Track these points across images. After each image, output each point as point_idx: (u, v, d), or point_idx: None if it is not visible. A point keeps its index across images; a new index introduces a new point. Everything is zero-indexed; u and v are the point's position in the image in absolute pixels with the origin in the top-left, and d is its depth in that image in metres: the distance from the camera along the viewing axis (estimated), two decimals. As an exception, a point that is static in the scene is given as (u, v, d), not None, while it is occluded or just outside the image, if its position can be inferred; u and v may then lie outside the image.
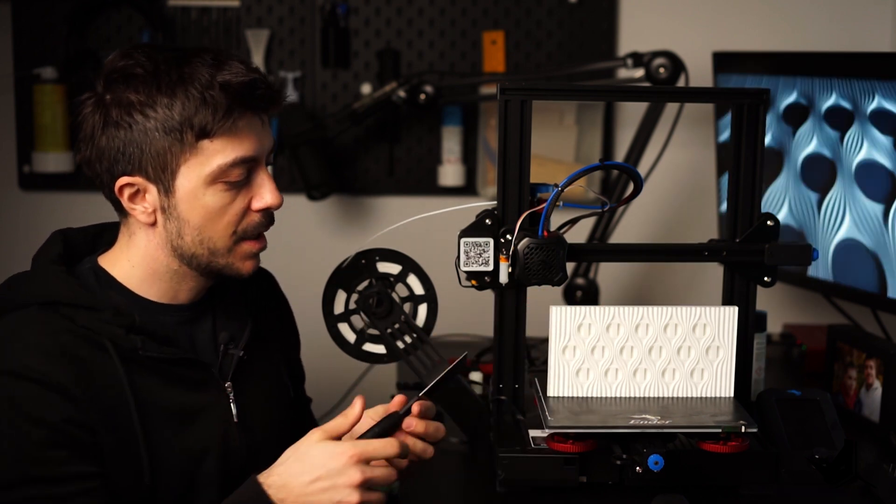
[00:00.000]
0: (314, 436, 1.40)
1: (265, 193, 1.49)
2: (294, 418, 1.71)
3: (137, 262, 1.50)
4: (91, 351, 1.43)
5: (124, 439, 1.43)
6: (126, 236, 1.51)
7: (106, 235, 1.58)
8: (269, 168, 1.53)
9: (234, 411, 1.53)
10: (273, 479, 1.38)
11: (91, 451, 1.41)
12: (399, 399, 1.49)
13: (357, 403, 1.43)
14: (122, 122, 1.42)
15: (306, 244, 2.62)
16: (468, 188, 2.61)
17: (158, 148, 1.42)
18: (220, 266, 1.50)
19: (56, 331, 1.43)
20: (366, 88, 2.56)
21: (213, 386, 1.53)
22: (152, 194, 1.45)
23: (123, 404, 1.43)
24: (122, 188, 1.45)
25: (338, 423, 1.42)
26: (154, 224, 1.47)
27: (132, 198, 1.46)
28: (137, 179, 1.45)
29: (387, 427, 1.43)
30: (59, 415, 1.38)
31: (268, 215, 1.51)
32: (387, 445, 1.39)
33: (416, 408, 1.46)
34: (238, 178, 1.45)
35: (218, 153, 1.43)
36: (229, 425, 1.53)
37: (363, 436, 1.43)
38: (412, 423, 1.45)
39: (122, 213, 1.50)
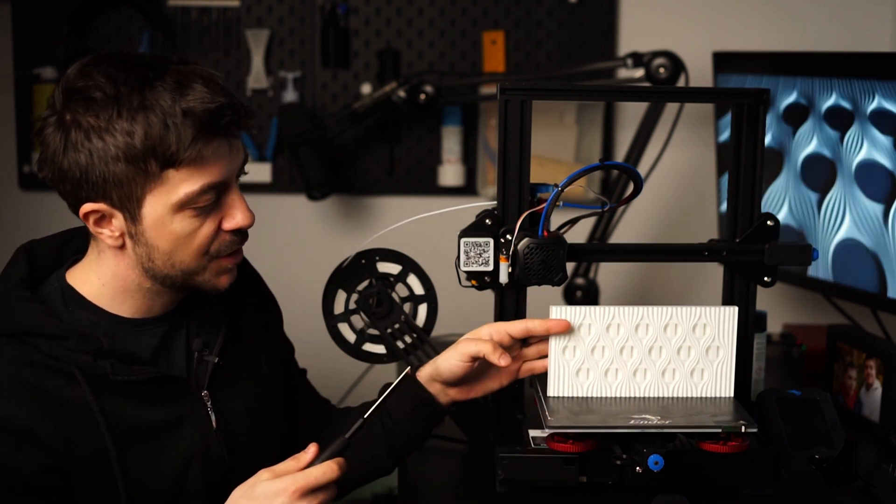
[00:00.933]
0: (262, 475, 1.37)
1: (236, 213, 1.44)
2: (294, 398, 1.70)
3: (107, 281, 1.46)
4: (58, 382, 1.40)
5: (100, 468, 1.41)
6: (95, 252, 1.48)
7: (73, 243, 1.54)
8: (240, 179, 1.47)
9: (213, 419, 1.51)
10: None
11: (58, 495, 1.39)
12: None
13: (310, 449, 1.39)
14: (82, 148, 1.37)
15: (306, 244, 2.62)
16: (468, 188, 2.61)
17: (121, 176, 1.37)
18: (196, 283, 1.47)
19: (20, 364, 1.39)
20: (366, 88, 2.56)
21: (190, 397, 1.51)
22: (118, 220, 1.41)
23: (96, 432, 1.41)
24: (86, 214, 1.42)
25: (287, 465, 1.38)
26: (123, 247, 1.44)
27: (98, 223, 1.42)
28: (102, 206, 1.40)
29: (335, 452, 1.40)
30: (25, 461, 1.36)
31: (241, 234, 1.47)
32: (326, 471, 1.35)
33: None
34: (206, 204, 1.41)
35: (184, 182, 1.38)
36: (209, 434, 1.51)
37: (311, 463, 1.40)
38: None
39: (90, 234, 1.47)
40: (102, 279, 1.47)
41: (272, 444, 1.61)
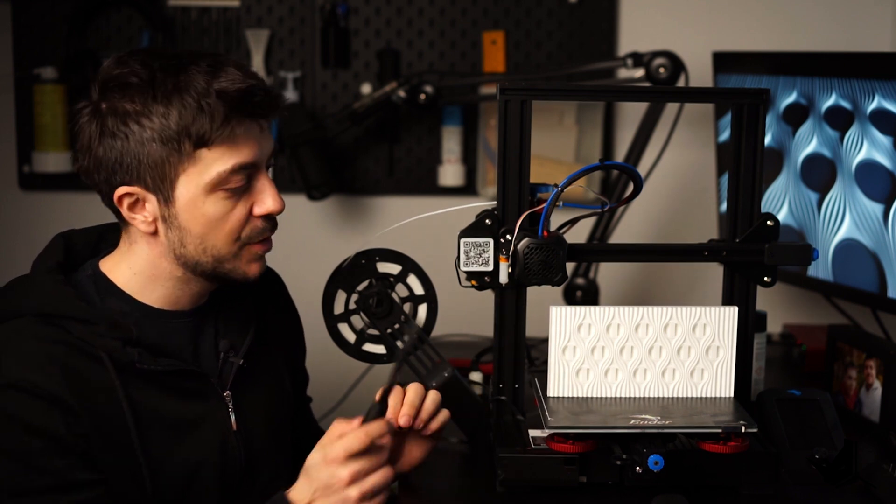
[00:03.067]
0: (314, 453, 1.40)
1: (266, 199, 1.47)
2: (296, 422, 1.71)
3: (139, 269, 1.49)
4: (87, 363, 1.42)
5: (121, 450, 1.43)
6: (127, 243, 1.50)
7: (109, 237, 1.57)
8: (270, 171, 1.52)
9: (233, 420, 1.52)
10: (293, 493, 1.40)
11: (90, 461, 1.40)
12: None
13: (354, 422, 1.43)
14: (119, 132, 1.41)
15: (306, 244, 2.62)
16: (468, 188, 2.61)
17: (156, 158, 1.41)
18: (226, 270, 1.49)
19: (51, 342, 1.42)
20: (366, 88, 2.56)
21: (213, 395, 1.52)
22: (152, 204, 1.44)
23: (119, 416, 1.42)
24: (121, 198, 1.44)
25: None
26: (155, 233, 1.46)
27: (132, 207, 1.45)
28: (136, 189, 1.43)
29: (381, 410, 1.44)
30: (56, 423, 1.38)
31: (271, 220, 1.50)
32: (360, 436, 1.38)
33: (403, 421, 1.49)
34: (238, 185, 1.44)
35: (216, 161, 1.42)
36: (228, 434, 1.52)
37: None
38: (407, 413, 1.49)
39: (123, 221, 1.49)
40: (133, 268, 1.49)
41: (286, 455, 1.62)
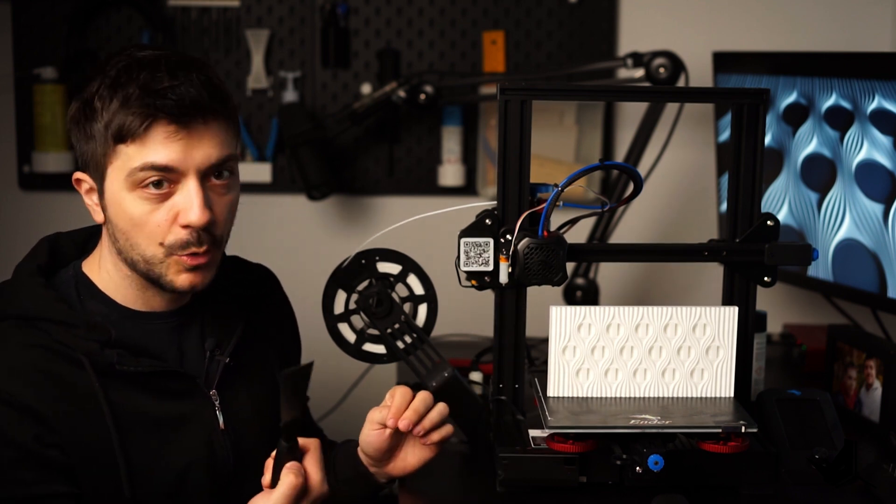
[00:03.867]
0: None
1: (187, 209, 1.43)
2: None
3: (105, 267, 1.50)
4: (66, 366, 1.42)
5: (102, 454, 1.42)
6: (102, 240, 1.52)
7: (95, 239, 1.56)
8: (223, 183, 1.47)
9: (220, 419, 1.52)
10: None
11: (62, 472, 1.40)
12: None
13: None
14: (80, 119, 1.45)
15: (306, 244, 2.62)
16: (468, 188, 2.61)
17: (94, 148, 1.44)
18: (157, 275, 1.46)
19: (29, 346, 1.42)
20: (366, 88, 2.56)
21: (198, 395, 1.51)
22: (96, 193, 1.47)
23: (100, 419, 1.42)
24: (77, 181, 1.49)
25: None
26: (104, 222, 1.49)
27: (87, 193, 1.49)
28: (86, 176, 1.48)
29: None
30: (27, 435, 1.37)
31: (196, 233, 1.44)
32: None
33: (403, 424, 1.48)
34: (155, 187, 1.42)
35: (131, 158, 1.41)
36: (215, 434, 1.51)
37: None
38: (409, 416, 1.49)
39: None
40: (104, 265, 1.50)
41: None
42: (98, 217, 1.49)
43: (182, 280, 1.46)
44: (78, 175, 1.49)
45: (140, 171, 1.41)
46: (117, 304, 1.49)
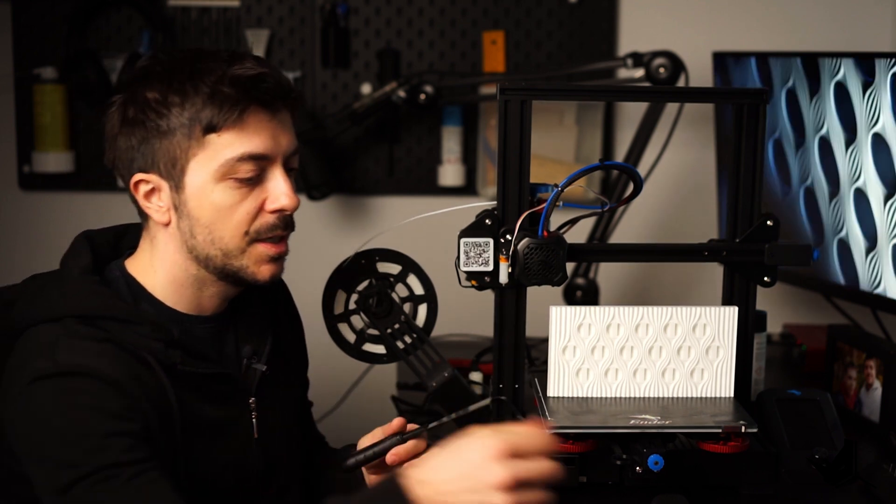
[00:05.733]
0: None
1: (279, 195, 1.45)
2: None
3: (160, 268, 1.48)
4: (135, 363, 1.40)
5: (166, 448, 1.41)
6: (148, 241, 1.49)
7: (128, 237, 1.55)
8: (293, 174, 1.49)
9: (255, 427, 1.51)
10: (414, 471, 1.21)
11: (148, 442, 1.37)
12: (398, 422, 1.49)
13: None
14: (137, 120, 1.42)
15: (306, 244, 2.61)
16: (468, 188, 2.61)
17: (169, 144, 1.42)
18: (236, 269, 1.47)
19: (102, 340, 1.40)
20: (366, 88, 2.56)
21: (240, 401, 1.51)
22: (165, 192, 1.44)
23: (169, 415, 1.40)
24: (136, 184, 1.45)
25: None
26: (168, 224, 1.46)
27: (147, 196, 1.45)
28: (151, 177, 1.44)
29: (378, 452, 1.44)
30: (119, 406, 1.35)
31: (284, 218, 1.47)
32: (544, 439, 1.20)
33: (390, 458, 1.47)
34: (248, 176, 1.43)
35: (225, 148, 1.41)
36: (249, 442, 1.51)
37: (360, 452, 1.45)
38: (398, 452, 1.47)
39: (143, 215, 1.49)
40: (156, 266, 1.48)
41: (298, 463, 1.61)
42: (161, 218, 1.45)
43: (264, 271, 1.48)
44: (140, 177, 1.44)
45: (239, 161, 1.41)
46: (165, 305, 1.48)
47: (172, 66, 1.42)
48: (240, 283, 1.50)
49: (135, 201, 1.48)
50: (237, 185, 1.43)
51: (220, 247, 1.45)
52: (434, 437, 1.54)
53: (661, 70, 2.32)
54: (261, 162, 1.44)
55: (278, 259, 1.49)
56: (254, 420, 1.51)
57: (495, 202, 1.62)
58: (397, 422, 1.50)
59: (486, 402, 1.52)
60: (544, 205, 1.58)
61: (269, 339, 1.57)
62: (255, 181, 1.44)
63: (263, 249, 1.47)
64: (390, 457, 1.47)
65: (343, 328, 1.71)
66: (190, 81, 1.40)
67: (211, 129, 1.40)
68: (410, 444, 1.47)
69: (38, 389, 1.35)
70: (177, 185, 1.43)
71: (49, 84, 2.49)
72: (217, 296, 1.51)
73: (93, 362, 1.36)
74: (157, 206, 1.45)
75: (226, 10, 2.54)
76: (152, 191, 1.45)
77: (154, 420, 1.38)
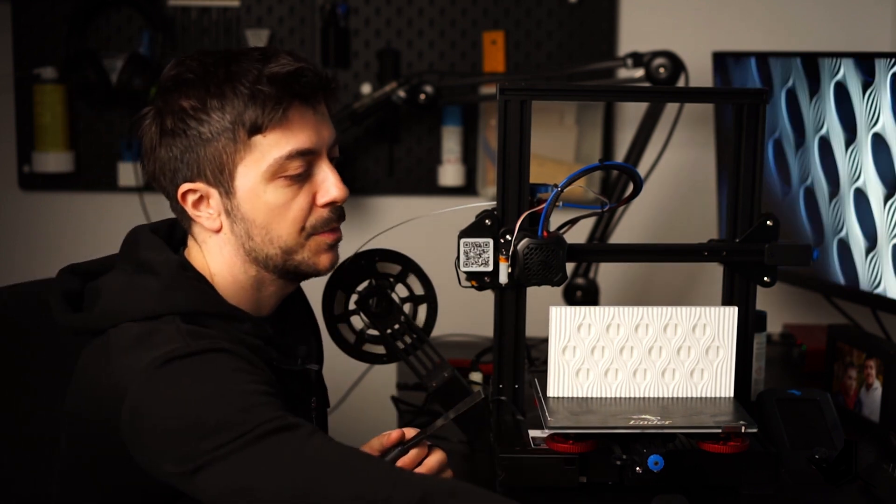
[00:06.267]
0: None
1: (329, 187, 1.45)
2: None
3: (217, 272, 1.46)
4: (248, 352, 1.39)
5: None
6: (196, 246, 1.48)
7: (177, 232, 1.54)
8: (334, 161, 1.49)
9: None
10: None
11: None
12: (397, 433, 1.48)
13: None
14: (178, 130, 1.40)
15: (306, 244, 2.62)
16: (468, 188, 2.61)
17: (214, 150, 1.40)
18: (297, 263, 1.46)
19: (210, 336, 1.37)
20: (366, 88, 2.56)
21: (307, 400, 1.52)
22: (215, 198, 1.43)
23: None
24: (184, 195, 1.43)
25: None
26: (220, 230, 1.44)
27: (196, 205, 1.44)
28: (198, 185, 1.42)
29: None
30: (261, 376, 1.35)
31: (336, 209, 1.47)
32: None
33: (412, 454, 1.45)
34: (297, 172, 1.42)
35: (273, 147, 1.40)
36: None
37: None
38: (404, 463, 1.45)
39: (189, 221, 1.47)
40: (214, 272, 1.47)
41: None
42: (213, 225, 1.44)
43: (324, 260, 1.48)
44: (187, 186, 1.42)
45: (287, 159, 1.41)
46: (231, 305, 1.46)
47: (205, 71, 1.40)
48: (300, 278, 1.50)
49: (182, 211, 1.46)
50: (288, 182, 1.42)
51: (280, 245, 1.44)
52: (434, 439, 1.54)
53: (661, 70, 2.32)
54: (308, 157, 1.43)
55: (335, 246, 1.49)
56: (314, 419, 1.53)
57: (495, 202, 1.62)
58: (396, 433, 1.48)
59: (479, 397, 1.51)
60: (544, 205, 1.58)
61: (314, 340, 1.58)
62: (304, 177, 1.44)
63: (322, 240, 1.47)
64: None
65: (343, 328, 1.71)
66: (228, 84, 1.39)
67: (255, 130, 1.39)
68: (413, 452, 1.46)
69: (176, 368, 1.31)
70: (227, 190, 1.42)
71: (49, 84, 2.49)
72: (275, 295, 1.51)
73: (232, 346, 1.35)
74: (208, 213, 1.44)
75: (226, 10, 2.54)
76: (200, 199, 1.43)
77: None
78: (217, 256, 1.46)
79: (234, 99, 1.38)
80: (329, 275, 1.69)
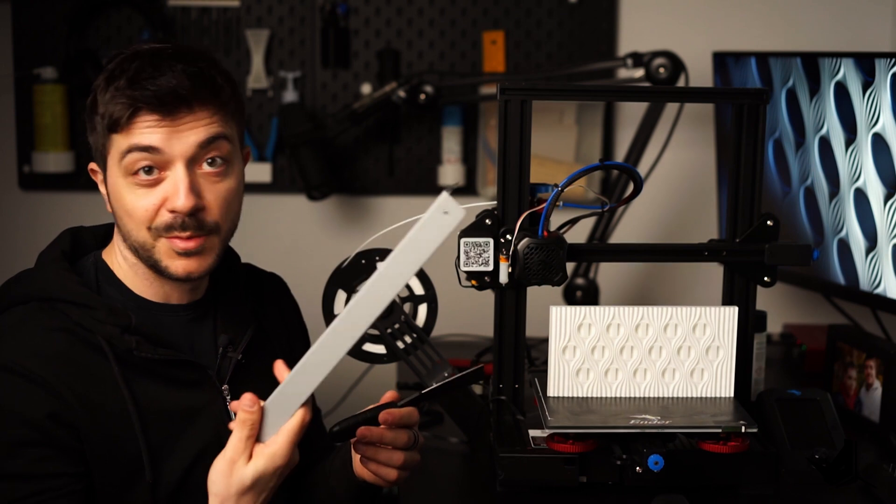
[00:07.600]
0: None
1: (175, 195, 1.44)
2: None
3: (118, 256, 1.53)
4: (88, 352, 1.44)
5: (123, 438, 1.43)
6: (115, 231, 1.55)
7: (113, 232, 1.58)
8: (215, 163, 1.47)
9: (231, 414, 1.53)
10: None
11: (71, 453, 1.41)
12: (390, 394, 1.49)
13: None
14: (88, 111, 1.49)
15: (306, 244, 2.62)
16: (468, 188, 2.61)
17: (95, 139, 1.49)
18: (155, 261, 1.48)
19: (52, 329, 1.44)
20: (366, 88, 2.56)
21: (209, 387, 1.53)
22: (102, 181, 1.51)
23: (119, 404, 1.44)
24: (92, 171, 1.53)
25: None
26: (112, 212, 1.51)
27: (101, 184, 1.52)
28: (95, 166, 1.52)
29: (369, 417, 1.45)
30: (41, 411, 1.39)
31: (181, 218, 1.45)
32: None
33: (383, 415, 1.45)
34: (146, 173, 1.44)
35: (122, 144, 1.45)
36: (223, 427, 1.52)
37: (348, 418, 1.46)
38: (392, 411, 1.46)
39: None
40: (118, 256, 1.53)
41: None
42: (108, 207, 1.52)
43: (176, 266, 1.48)
44: (91, 165, 1.53)
45: (127, 153, 1.44)
46: (133, 293, 1.52)
47: (112, 65, 1.47)
48: (163, 276, 1.50)
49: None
50: (138, 182, 1.45)
51: (133, 240, 1.48)
52: (434, 439, 1.54)
53: (661, 70, 2.32)
54: (154, 157, 1.44)
55: (190, 255, 1.48)
56: (229, 406, 1.52)
57: (495, 202, 1.62)
58: (389, 394, 1.50)
59: (478, 366, 1.51)
60: (544, 205, 1.58)
61: (250, 330, 1.58)
62: (155, 180, 1.45)
63: (170, 243, 1.47)
64: (383, 415, 1.46)
65: (343, 328, 1.71)
66: (106, 81, 1.46)
67: (112, 128, 1.45)
68: (404, 409, 1.47)
69: None
70: (105, 178, 1.50)
71: (49, 84, 2.49)
72: (167, 286, 1.53)
73: (30, 361, 1.40)
74: (104, 193, 1.52)
75: (226, 10, 2.54)
76: (102, 180, 1.52)
77: (92, 422, 1.41)
78: (116, 237, 1.54)
79: (107, 95, 1.45)
80: (329, 274, 1.70)
